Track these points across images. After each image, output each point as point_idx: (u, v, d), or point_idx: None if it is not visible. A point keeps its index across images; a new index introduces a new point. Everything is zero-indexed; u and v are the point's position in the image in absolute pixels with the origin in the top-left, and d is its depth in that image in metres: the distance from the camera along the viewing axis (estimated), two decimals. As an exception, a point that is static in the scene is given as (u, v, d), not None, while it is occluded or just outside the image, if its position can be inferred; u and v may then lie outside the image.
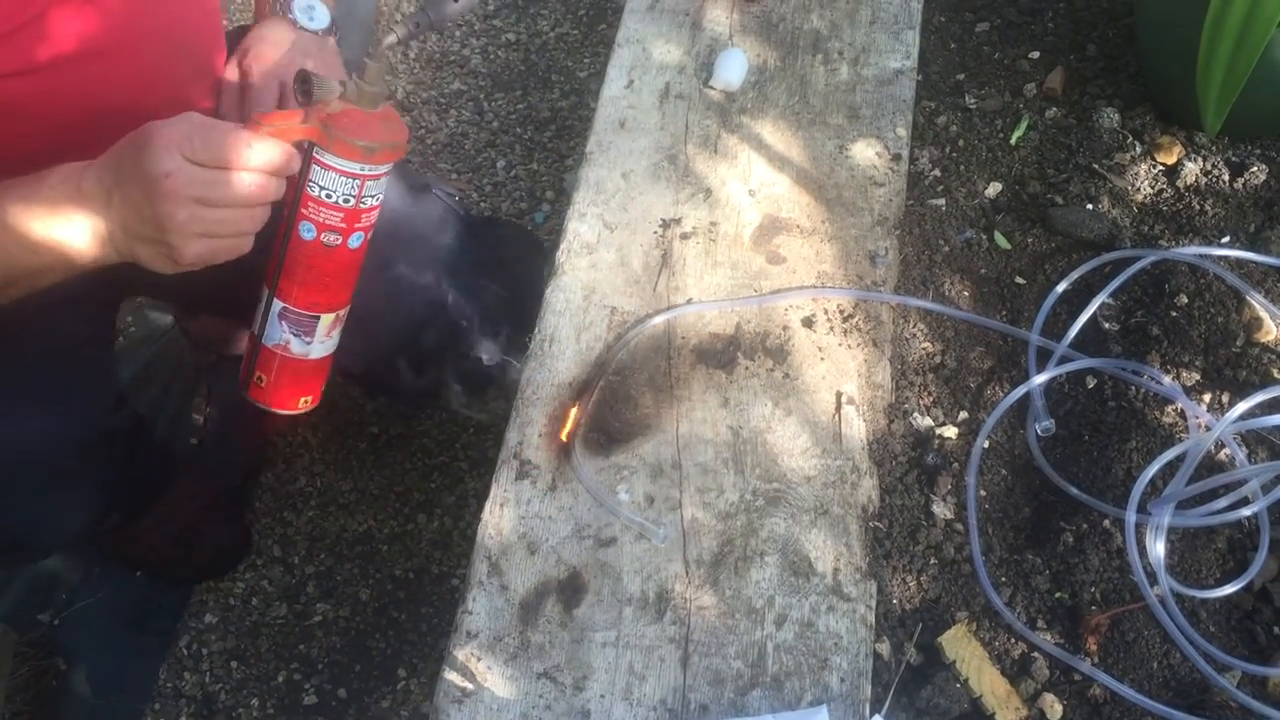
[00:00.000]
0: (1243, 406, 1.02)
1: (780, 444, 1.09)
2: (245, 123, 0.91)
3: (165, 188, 0.86)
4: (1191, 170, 1.25)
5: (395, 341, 1.31)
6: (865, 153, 1.28)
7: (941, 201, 1.28)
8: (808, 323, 1.16)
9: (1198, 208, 1.23)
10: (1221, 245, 1.18)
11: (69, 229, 0.90)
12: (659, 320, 1.17)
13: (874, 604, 1.00)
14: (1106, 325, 1.16)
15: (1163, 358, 1.12)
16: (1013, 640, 1.00)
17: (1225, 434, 1.03)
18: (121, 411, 1.30)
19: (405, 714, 1.47)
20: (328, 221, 0.96)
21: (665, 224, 1.25)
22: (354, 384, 1.44)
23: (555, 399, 1.13)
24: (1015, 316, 1.19)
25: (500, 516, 1.07)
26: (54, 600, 1.56)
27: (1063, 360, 1.13)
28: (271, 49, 1.18)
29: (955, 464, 1.10)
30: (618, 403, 1.13)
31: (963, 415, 1.13)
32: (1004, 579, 1.03)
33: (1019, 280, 1.22)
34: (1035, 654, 0.99)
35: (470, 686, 0.98)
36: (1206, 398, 1.10)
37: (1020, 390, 1.12)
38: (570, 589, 1.03)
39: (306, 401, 1.07)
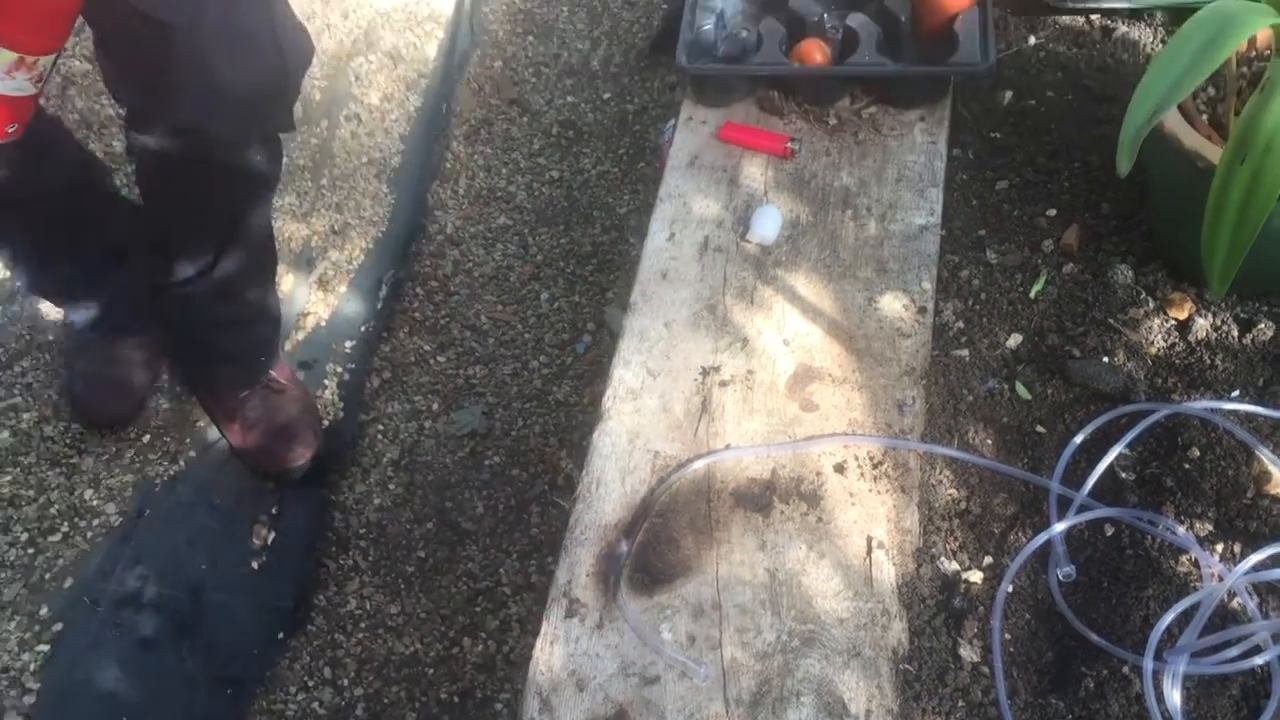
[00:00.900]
0: (1255, 558, 1.08)
1: (814, 586, 1.16)
2: None
3: None
4: (1202, 326, 1.33)
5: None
6: (893, 305, 1.37)
7: (965, 352, 1.36)
8: (839, 468, 1.24)
9: (1209, 362, 1.30)
10: (1231, 399, 1.25)
11: None
12: (700, 465, 1.25)
13: (905, 745, 1.05)
14: (1123, 475, 1.23)
15: (1177, 508, 1.18)
16: (1038, 783, 1.05)
17: (1237, 584, 1.09)
18: None
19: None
20: None
21: (705, 371, 1.33)
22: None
23: (602, 539, 1.21)
24: (1036, 464, 1.26)
25: (550, 654, 1.13)
26: None
27: (1082, 509, 1.20)
28: None
29: (981, 608, 1.16)
30: (660, 544, 1.20)
31: (987, 560, 1.20)
32: (1029, 722, 1.09)
33: (1039, 429, 1.29)
34: (1060, 797, 1.04)
35: (522, 820, 1.04)
36: (1219, 548, 1.16)
37: (1042, 537, 1.18)
38: (616, 726, 1.09)
39: None
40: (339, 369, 1.96)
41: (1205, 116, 1.30)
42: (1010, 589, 1.17)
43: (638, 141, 2.34)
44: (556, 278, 2.13)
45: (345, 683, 1.67)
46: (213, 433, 1.85)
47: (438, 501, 1.85)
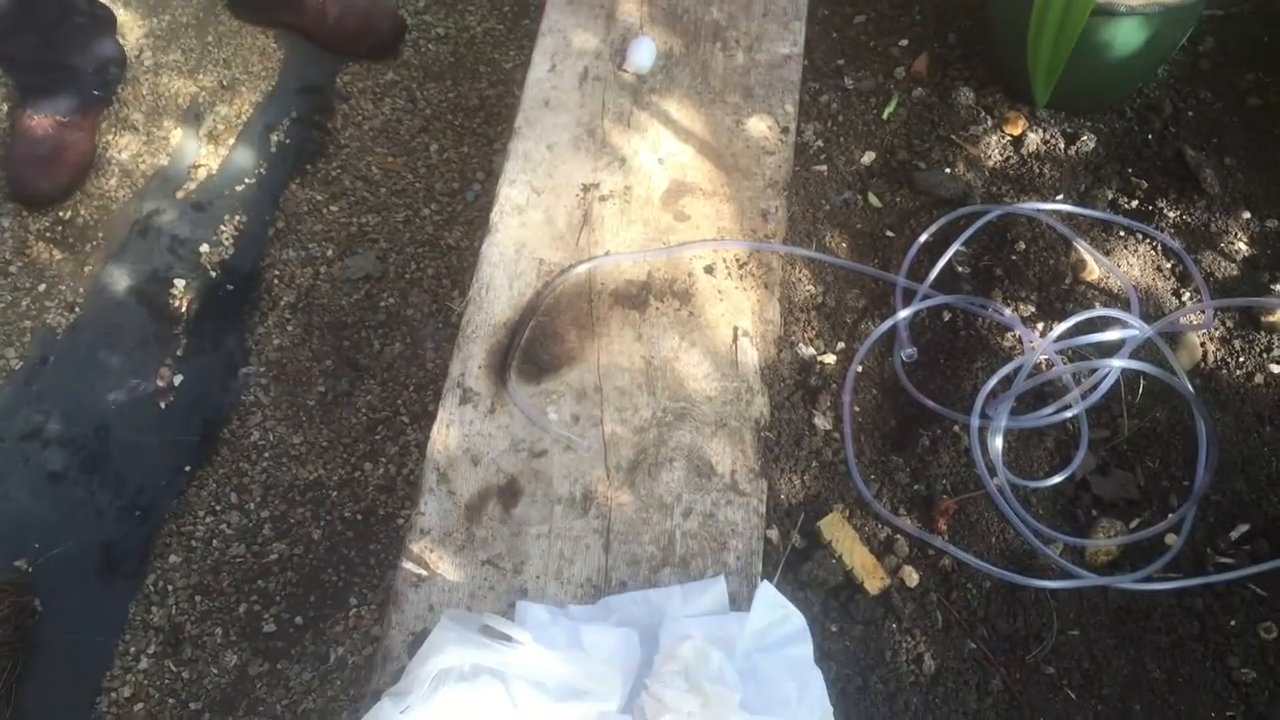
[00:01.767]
0: (1064, 326, 1.23)
1: (686, 370, 1.28)
2: None
3: None
4: (1033, 140, 1.47)
5: None
6: (758, 126, 1.48)
7: (824, 168, 1.49)
8: (709, 270, 1.35)
9: (1038, 171, 1.45)
10: (1055, 201, 1.40)
11: None
12: (581, 269, 1.35)
13: (765, 498, 1.19)
14: (960, 269, 1.37)
15: (1004, 294, 1.33)
16: (879, 525, 1.20)
17: (1050, 350, 1.25)
18: None
19: (357, 636, 1.64)
20: None
21: (585, 188, 1.43)
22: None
23: (492, 336, 1.31)
24: (885, 263, 1.39)
25: (447, 435, 1.24)
26: (26, 549, 1.69)
27: (924, 298, 1.34)
28: None
29: (834, 385, 1.30)
30: (547, 339, 1.31)
31: (840, 345, 1.34)
32: (872, 476, 1.24)
33: (889, 233, 1.42)
34: (898, 535, 1.19)
35: (424, 573, 1.15)
36: (1040, 326, 1.31)
37: (888, 323, 1.32)
38: (509, 492, 1.20)
39: None
40: (234, 215, 2.01)
41: (1037, -55, 1.42)
42: (860, 369, 1.31)
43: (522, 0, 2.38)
44: (445, 130, 2.19)
45: (252, 506, 1.76)
46: (107, 278, 1.89)
47: (335, 341, 1.93)
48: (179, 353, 1.87)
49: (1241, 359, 1.28)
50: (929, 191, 1.43)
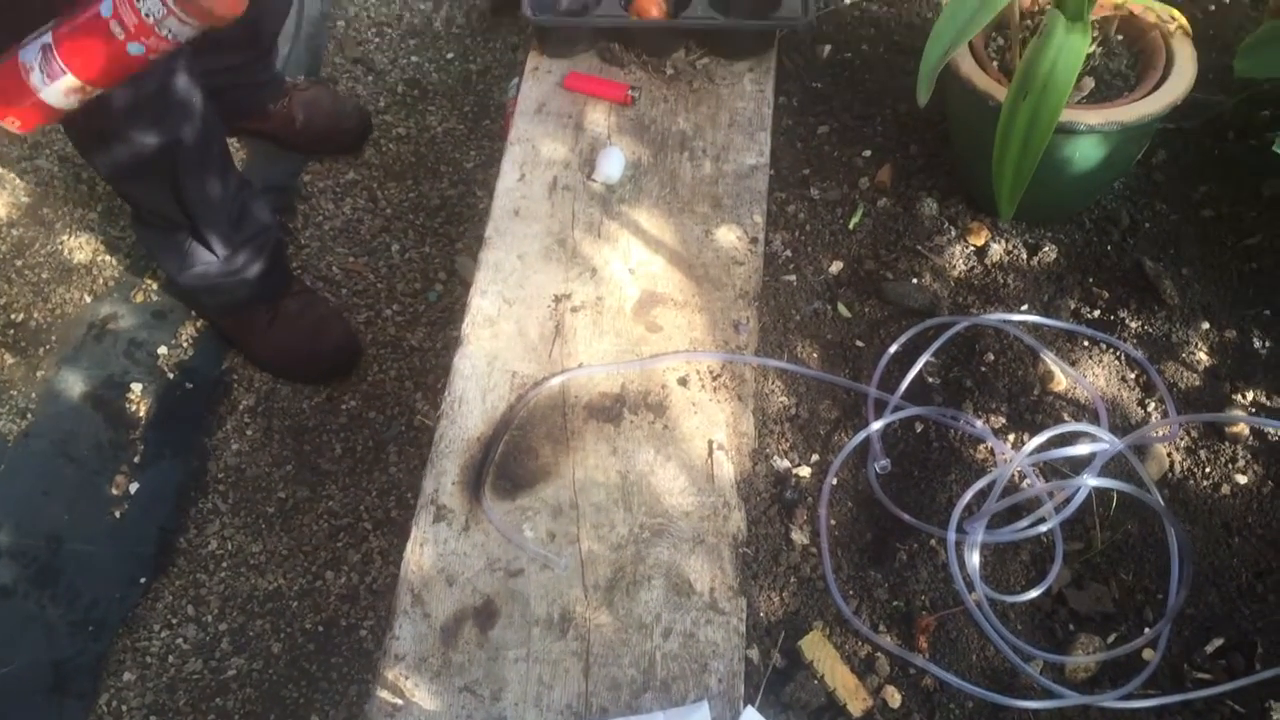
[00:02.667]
0: (1036, 441, 1.25)
1: (662, 485, 1.27)
2: None
3: None
4: (996, 250, 1.50)
5: None
6: (728, 236, 1.49)
7: (793, 277, 1.50)
8: (683, 382, 1.36)
9: (1001, 281, 1.47)
10: (1020, 312, 1.43)
11: None
12: (555, 382, 1.35)
13: (745, 616, 1.18)
14: (930, 379, 1.39)
15: (975, 405, 1.34)
16: (859, 642, 1.20)
17: (1024, 464, 1.26)
18: None
19: (320, 756, 1.59)
20: (124, 18, 1.13)
21: (557, 299, 1.43)
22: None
23: (466, 451, 1.29)
24: (856, 374, 1.40)
25: (421, 554, 1.22)
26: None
27: (896, 409, 1.35)
28: None
29: (809, 498, 1.30)
30: (520, 453, 1.30)
31: (815, 457, 1.34)
32: (851, 592, 1.23)
33: (859, 343, 1.44)
34: (878, 653, 1.19)
35: (400, 702, 1.12)
36: (1011, 437, 1.33)
37: (862, 435, 1.33)
38: (485, 614, 1.18)
39: (12, 122, 1.22)
40: (193, 317, 1.98)
41: (996, 63, 1.46)
42: (835, 481, 1.31)
43: (482, 100, 2.41)
44: (407, 230, 2.19)
45: (209, 619, 1.71)
46: (61, 384, 1.86)
47: (295, 445, 1.90)
48: (135, 459, 1.83)
49: (1208, 469, 1.30)
50: (897, 302, 1.45)
